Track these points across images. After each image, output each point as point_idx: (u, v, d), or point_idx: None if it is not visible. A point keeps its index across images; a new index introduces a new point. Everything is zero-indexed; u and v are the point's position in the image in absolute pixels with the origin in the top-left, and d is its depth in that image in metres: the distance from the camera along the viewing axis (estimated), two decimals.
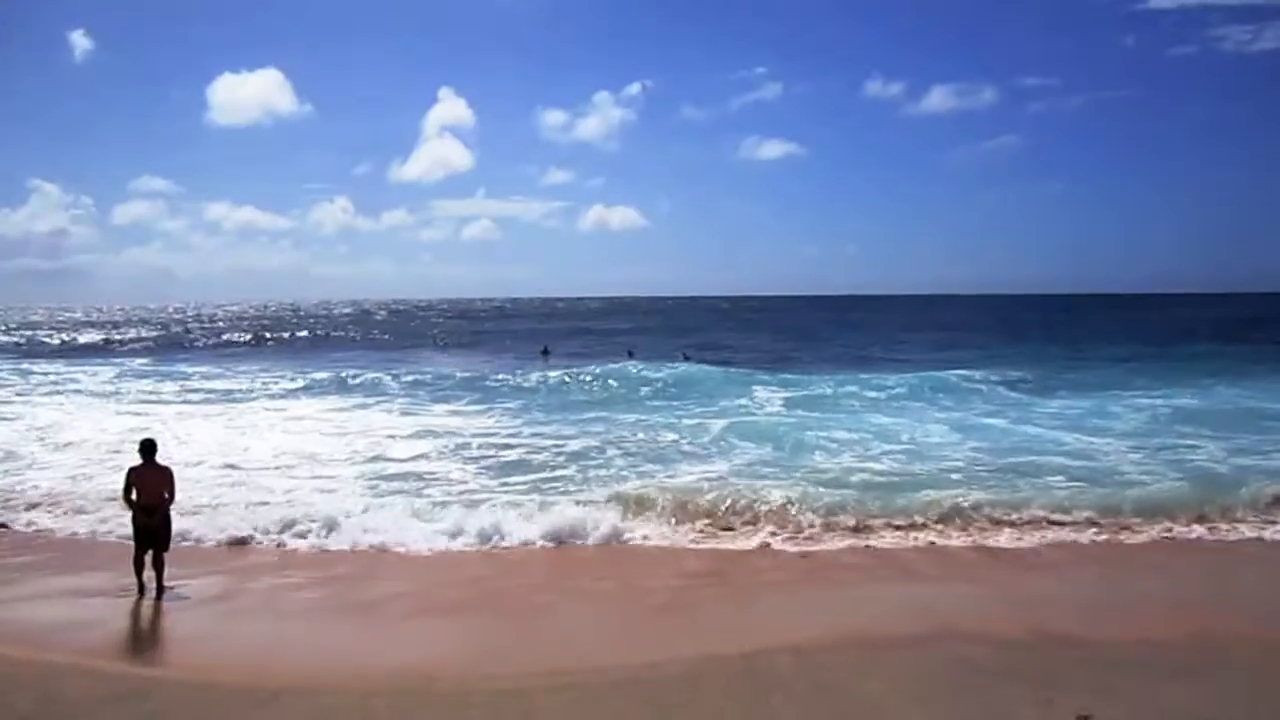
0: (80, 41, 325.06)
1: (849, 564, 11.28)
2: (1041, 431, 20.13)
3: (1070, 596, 9.90)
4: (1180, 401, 24.31)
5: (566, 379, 31.43)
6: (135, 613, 9.41)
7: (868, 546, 11.91)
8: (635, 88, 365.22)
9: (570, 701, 6.94)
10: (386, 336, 71.71)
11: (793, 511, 12.90)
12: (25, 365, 42.25)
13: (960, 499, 13.34)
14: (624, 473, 16.06)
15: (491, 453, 18.09)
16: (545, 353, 49.24)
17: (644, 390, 29.07)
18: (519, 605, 9.76)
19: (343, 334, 76.73)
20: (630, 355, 46.74)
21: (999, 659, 7.77)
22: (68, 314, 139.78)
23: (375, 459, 17.64)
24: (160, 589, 9.84)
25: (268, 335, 71.88)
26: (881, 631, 8.54)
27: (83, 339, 68.63)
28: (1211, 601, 9.70)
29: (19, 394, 29.80)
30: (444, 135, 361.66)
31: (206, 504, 13.52)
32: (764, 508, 13.05)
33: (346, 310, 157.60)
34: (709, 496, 13.62)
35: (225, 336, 71.11)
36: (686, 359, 42.15)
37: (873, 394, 27.11)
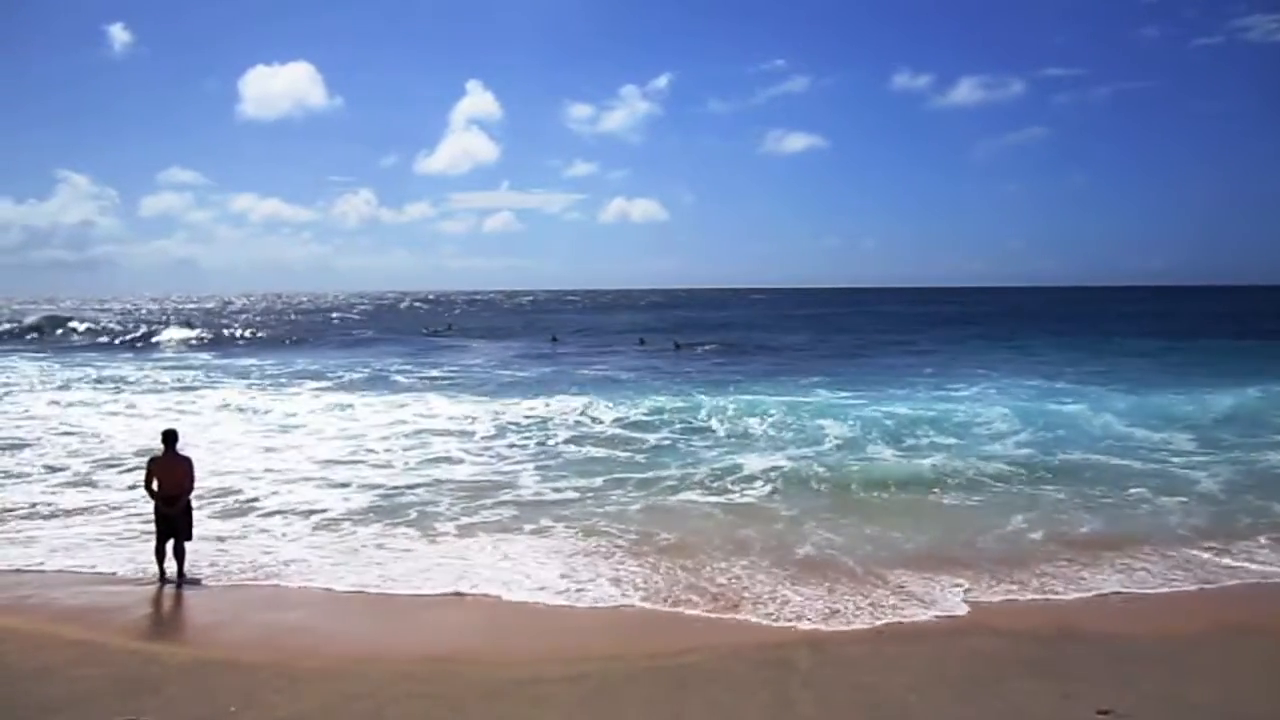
0: (119, 35, 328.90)
1: None
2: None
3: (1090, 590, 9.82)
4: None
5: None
6: (157, 600, 9.50)
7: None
8: (662, 80, 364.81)
9: (589, 690, 6.96)
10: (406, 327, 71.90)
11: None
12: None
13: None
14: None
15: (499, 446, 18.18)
16: (554, 340, 52.38)
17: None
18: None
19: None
20: (641, 343, 47.43)
21: (1019, 652, 7.74)
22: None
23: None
24: (181, 577, 9.94)
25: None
26: (901, 623, 8.53)
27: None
28: (1232, 596, 9.60)
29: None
30: (471, 128, 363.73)
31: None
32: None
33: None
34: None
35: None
36: (676, 348, 43.08)
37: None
